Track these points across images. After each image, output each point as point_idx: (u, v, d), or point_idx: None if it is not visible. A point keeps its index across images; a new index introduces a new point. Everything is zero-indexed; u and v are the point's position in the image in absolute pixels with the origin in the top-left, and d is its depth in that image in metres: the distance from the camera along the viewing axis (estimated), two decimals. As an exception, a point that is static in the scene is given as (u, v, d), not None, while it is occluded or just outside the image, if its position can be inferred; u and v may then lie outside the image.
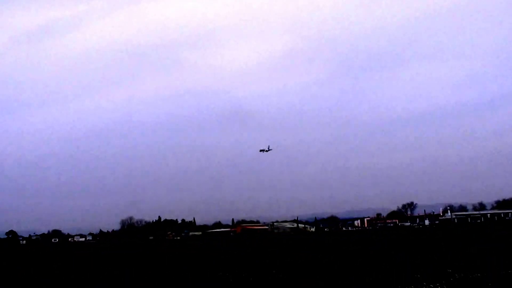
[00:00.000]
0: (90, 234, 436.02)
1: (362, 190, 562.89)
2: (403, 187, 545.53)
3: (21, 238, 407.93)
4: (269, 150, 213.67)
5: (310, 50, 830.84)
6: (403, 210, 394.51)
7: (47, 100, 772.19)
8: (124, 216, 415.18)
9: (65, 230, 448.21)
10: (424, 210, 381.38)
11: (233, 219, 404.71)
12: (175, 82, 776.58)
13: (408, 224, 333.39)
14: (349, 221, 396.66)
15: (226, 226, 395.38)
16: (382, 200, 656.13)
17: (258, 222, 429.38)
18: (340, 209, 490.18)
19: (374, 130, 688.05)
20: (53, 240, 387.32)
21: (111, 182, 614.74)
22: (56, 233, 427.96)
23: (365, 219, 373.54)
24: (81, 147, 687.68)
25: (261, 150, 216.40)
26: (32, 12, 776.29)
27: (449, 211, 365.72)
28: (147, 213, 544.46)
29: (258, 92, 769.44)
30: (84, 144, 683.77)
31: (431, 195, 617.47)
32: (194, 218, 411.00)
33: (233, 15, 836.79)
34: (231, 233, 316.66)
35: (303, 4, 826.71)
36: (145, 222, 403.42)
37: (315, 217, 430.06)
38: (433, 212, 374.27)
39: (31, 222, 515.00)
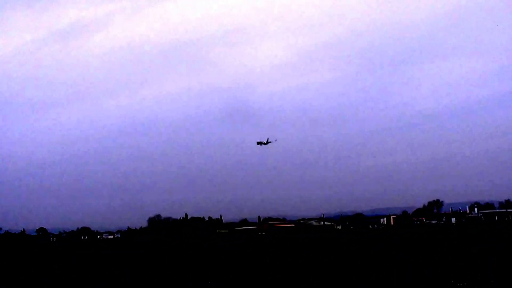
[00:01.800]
0: (118, 231, 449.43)
1: (388, 188, 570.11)
2: (430, 184, 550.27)
3: (51, 236, 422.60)
4: (268, 142, 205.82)
5: (334, 47, 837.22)
6: (430, 208, 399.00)
7: (75, 99, 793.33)
8: (152, 213, 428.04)
9: (94, 228, 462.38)
10: (451, 208, 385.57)
11: (259, 217, 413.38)
12: (201, 79, 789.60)
13: (434, 222, 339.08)
14: (374, 218, 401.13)
15: (253, 223, 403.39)
16: (408, 198, 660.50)
17: (284, 219, 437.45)
18: (366, 207, 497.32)
19: (400, 127, 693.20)
20: (82, 238, 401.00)
21: (139, 180, 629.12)
22: (85, 230, 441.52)
23: (391, 217, 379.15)
24: (109, 146, 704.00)
25: (258, 143, 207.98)
26: (60, 13, 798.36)
27: (476, 208, 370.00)
28: (175, 211, 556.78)
29: (284, 89, 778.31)
30: (112, 142, 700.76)
31: (458, 193, 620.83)
32: (221, 216, 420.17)
33: (260, 12, 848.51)
34: (262, 232, 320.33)
35: (333, 3, 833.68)
36: (172, 219, 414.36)
37: (341, 215, 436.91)
38: (460, 210, 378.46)
39: (61, 220, 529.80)
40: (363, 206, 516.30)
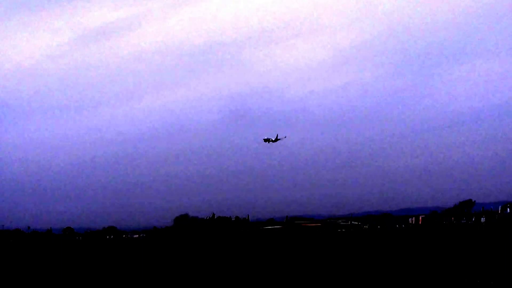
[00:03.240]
0: (143, 231, 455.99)
1: (418, 187, 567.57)
2: (462, 184, 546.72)
3: (77, 236, 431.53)
4: (277, 139, 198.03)
5: (369, 47, 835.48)
6: (461, 208, 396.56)
7: (104, 101, 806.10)
8: (179, 213, 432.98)
9: (120, 227, 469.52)
10: (482, 207, 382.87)
11: (287, 216, 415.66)
12: (233, 81, 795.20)
13: (464, 221, 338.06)
14: (402, 218, 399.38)
15: (280, 223, 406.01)
16: (438, 197, 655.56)
17: (312, 218, 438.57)
18: (394, 206, 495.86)
19: (432, 127, 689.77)
20: (107, 237, 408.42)
21: (167, 180, 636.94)
22: (111, 229, 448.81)
23: (420, 217, 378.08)
24: (137, 146, 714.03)
25: (266, 140, 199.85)
26: (89, 15, 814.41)
27: (508, 208, 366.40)
28: (202, 211, 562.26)
29: (317, 91, 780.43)
30: (140, 143, 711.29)
31: (490, 193, 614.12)
32: (248, 216, 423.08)
33: (293, 12, 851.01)
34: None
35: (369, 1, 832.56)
36: (199, 219, 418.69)
37: (368, 214, 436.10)
38: (491, 209, 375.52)
39: (88, 219, 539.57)
40: (391, 205, 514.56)
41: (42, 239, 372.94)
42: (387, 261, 68.83)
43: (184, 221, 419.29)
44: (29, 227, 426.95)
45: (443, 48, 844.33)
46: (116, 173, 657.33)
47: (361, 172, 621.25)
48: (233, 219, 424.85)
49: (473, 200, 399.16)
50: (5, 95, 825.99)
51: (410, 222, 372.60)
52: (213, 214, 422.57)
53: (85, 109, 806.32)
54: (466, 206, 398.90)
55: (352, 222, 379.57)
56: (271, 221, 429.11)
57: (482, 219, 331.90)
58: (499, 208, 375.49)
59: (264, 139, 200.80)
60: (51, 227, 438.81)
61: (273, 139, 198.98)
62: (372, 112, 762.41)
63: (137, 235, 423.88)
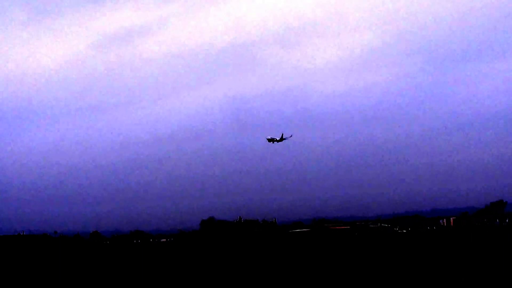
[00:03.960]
0: (170, 235, 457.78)
1: (447, 187, 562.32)
2: (493, 185, 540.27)
3: (105, 241, 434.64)
4: (282, 139, 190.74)
5: (395, 46, 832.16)
6: (492, 209, 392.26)
7: (127, 104, 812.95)
8: (205, 216, 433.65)
9: (146, 230, 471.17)
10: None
11: (314, 219, 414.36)
12: (255, 81, 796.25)
13: (497, 223, 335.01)
14: (433, 219, 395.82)
15: (307, 226, 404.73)
16: (468, 198, 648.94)
17: (340, 221, 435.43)
18: (423, 207, 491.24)
19: (461, 126, 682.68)
20: (135, 241, 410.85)
21: (192, 183, 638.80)
22: (138, 233, 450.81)
23: (451, 218, 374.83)
24: (163, 149, 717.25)
25: (270, 140, 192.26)
26: (111, 19, 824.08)
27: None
28: (228, 213, 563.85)
29: (340, 91, 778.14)
30: (166, 146, 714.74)
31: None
32: (274, 219, 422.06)
33: (315, 12, 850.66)
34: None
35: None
36: (226, 222, 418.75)
37: (398, 215, 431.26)
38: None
39: (114, 223, 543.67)
40: (421, 206, 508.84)
41: (71, 243, 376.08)
42: (420, 264, 68.50)
43: (211, 225, 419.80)
44: (56, 232, 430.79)
45: (469, 46, 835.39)
46: (139, 177, 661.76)
47: (389, 172, 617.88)
48: (260, 222, 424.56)
49: (504, 201, 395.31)
50: (28, 100, 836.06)
51: (442, 223, 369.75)
52: (240, 218, 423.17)
53: (107, 113, 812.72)
54: (497, 207, 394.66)
55: (382, 224, 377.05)
56: (299, 223, 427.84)
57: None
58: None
59: (268, 139, 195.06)
60: (78, 232, 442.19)
61: (278, 138, 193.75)
62: (398, 111, 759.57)
63: (165, 239, 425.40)
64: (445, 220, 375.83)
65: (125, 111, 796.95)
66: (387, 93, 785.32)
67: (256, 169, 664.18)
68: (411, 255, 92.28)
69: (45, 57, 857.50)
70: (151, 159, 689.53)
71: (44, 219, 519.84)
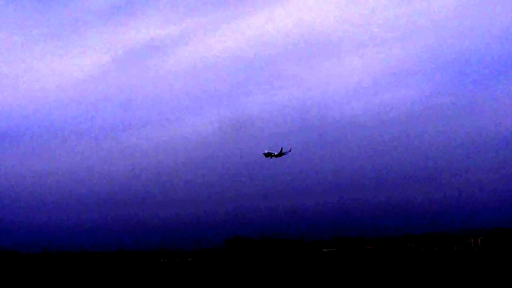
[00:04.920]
0: (194, 252, 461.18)
1: (474, 204, 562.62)
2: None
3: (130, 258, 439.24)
4: (282, 154, 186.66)
5: (422, 60, 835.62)
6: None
7: (152, 119, 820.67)
8: (229, 234, 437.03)
9: (168, 248, 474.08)
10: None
11: (338, 237, 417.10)
12: (283, 95, 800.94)
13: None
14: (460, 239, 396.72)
15: (332, 243, 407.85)
16: (496, 216, 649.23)
17: (363, 238, 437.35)
18: (451, 225, 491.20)
19: (491, 144, 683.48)
20: (161, 260, 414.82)
21: (213, 199, 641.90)
22: (163, 252, 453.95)
23: (479, 238, 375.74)
24: (186, 165, 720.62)
25: (267, 155, 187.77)
26: (136, 32, 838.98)
27: None
28: (253, 231, 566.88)
29: (366, 106, 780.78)
30: (190, 162, 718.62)
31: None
32: (303, 238, 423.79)
33: (344, 23, 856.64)
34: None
35: (413, 11, 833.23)
36: (252, 240, 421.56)
37: (426, 233, 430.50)
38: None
39: (137, 239, 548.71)
40: (448, 224, 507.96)
41: (96, 260, 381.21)
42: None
43: (236, 243, 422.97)
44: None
45: (503, 58, 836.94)
46: (162, 194, 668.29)
47: (416, 188, 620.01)
48: (282, 240, 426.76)
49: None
50: (53, 115, 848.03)
51: (469, 243, 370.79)
52: (263, 235, 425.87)
53: (132, 128, 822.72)
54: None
55: (409, 244, 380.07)
56: (322, 241, 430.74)
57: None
58: None
59: (264, 154, 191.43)
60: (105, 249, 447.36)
61: (276, 153, 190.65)
62: (425, 127, 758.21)
63: (190, 258, 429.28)
64: (472, 240, 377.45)
65: (152, 126, 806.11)
66: (413, 109, 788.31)
67: (286, 184, 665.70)
68: (435, 275, 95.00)
69: (70, 72, 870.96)
70: (173, 176, 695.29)
71: (67, 235, 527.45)
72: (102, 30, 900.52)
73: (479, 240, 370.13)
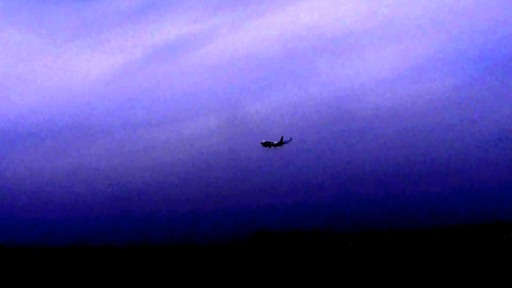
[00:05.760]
0: (218, 246, 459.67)
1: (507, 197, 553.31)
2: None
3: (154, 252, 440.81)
4: (282, 143, 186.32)
5: (451, 53, 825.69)
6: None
7: (180, 116, 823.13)
8: (257, 226, 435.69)
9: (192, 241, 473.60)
10: None
11: (369, 229, 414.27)
12: (309, 91, 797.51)
13: None
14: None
15: (358, 236, 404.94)
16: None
17: (389, 229, 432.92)
18: (480, 219, 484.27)
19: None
20: (187, 254, 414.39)
21: (239, 191, 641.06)
22: (190, 246, 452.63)
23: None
24: (211, 161, 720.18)
25: (265, 144, 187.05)
26: (161, 31, 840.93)
27: None
28: (280, 224, 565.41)
29: (397, 99, 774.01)
30: (214, 158, 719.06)
31: None
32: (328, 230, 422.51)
33: (369, 18, 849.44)
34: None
35: (436, 5, 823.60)
36: (278, 233, 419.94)
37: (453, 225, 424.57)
38: None
39: (162, 233, 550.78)
40: (477, 218, 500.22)
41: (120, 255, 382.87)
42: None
43: (263, 236, 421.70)
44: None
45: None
46: (188, 187, 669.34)
47: (447, 182, 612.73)
48: (309, 232, 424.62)
49: None
50: (76, 114, 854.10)
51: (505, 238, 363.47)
52: (291, 227, 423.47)
53: (157, 126, 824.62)
54: None
55: (438, 237, 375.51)
56: (350, 235, 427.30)
57: None
58: None
59: (262, 143, 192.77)
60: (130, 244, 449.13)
61: (275, 142, 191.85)
62: (455, 120, 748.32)
63: (216, 251, 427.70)
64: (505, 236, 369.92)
65: (174, 125, 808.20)
66: (436, 103, 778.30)
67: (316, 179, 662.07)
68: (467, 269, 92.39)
69: (92, 71, 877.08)
70: (199, 170, 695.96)
71: (94, 230, 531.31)
72: (125, 29, 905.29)
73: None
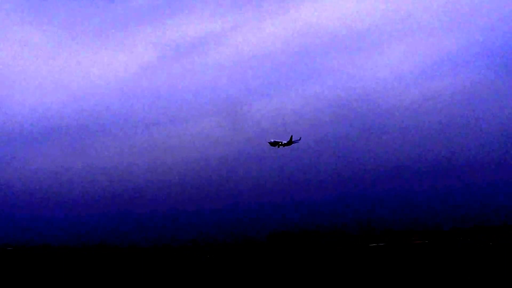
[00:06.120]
0: (233, 246, 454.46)
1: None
2: None
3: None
4: (291, 143, 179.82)
5: (472, 49, 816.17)
6: None
7: (198, 114, 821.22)
8: (273, 227, 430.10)
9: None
10: None
11: (389, 230, 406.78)
12: (329, 87, 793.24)
13: None
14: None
15: (379, 237, 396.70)
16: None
17: (411, 230, 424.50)
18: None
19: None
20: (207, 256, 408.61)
21: (255, 192, 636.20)
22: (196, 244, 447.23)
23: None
24: (230, 160, 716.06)
25: (273, 144, 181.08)
26: (180, 29, 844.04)
27: None
28: (296, 224, 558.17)
29: (408, 98, 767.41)
30: (235, 156, 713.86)
31: None
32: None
33: (384, 15, 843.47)
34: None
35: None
36: (295, 234, 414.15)
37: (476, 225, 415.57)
38: None
39: (178, 234, 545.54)
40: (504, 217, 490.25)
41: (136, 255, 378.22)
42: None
43: (279, 237, 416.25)
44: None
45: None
46: (206, 187, 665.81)
47: (470, 180, 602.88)
48: (327, 233, 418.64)
49: None
50: (97, 112, 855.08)
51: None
52: (306, 229, 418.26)
53: (176, 124, 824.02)
54: None
55: (461, 238, 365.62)
56: (369, 235, 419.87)
57: None
58: None
59: (270, 143, 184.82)
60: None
61: (285, 142, 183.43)
62: (479, 117, 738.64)
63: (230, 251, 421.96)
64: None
65: (195, 122, 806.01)
66: (462, 100, 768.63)
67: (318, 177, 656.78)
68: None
69: (114, 70, 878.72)
70: (218, 170, 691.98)
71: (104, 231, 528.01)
72: (150, 28, 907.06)
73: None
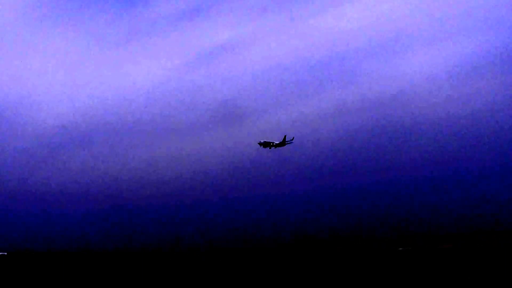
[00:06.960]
0: (260, 249, 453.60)
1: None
2: None
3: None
4: (285, 143, 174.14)
5: (498, 54, 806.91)
6: None
7: (225, 121, 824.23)
8: (297, 231, 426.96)
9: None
10: None
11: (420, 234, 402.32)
12: (357, 93, 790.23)
13: None
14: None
15: (407, 242, 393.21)
16: None
17: (441, 236, 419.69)
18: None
19: None
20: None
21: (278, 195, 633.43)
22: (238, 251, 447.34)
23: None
24: (250, 167, 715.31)
25: (265, 145, 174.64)
26: (205, 35, 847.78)
27: None
28: (322, 228, 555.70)
29: (440, 102, 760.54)
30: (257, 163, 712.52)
31: None
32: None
33: (416, 17, 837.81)
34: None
35: (490, 3, 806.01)
36: (321, 238, 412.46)
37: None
38: None
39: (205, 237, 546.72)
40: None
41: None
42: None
43: (304, 240, 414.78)
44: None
45: None
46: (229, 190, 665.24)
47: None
48: (353, 237, 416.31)
49: None
50: (123, 120, 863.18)
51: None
52: (333, 232, 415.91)
53: (202, 131, 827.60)
54: None
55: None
56: (398, 239, 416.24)
57: None
58: None
59: (260, 143, 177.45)
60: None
61: (277, 142, 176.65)
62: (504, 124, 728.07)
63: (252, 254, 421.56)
64: None
65: (218, 130, 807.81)
66: (489, 104, 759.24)
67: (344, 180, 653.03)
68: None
69: (140, 77, 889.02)
70: (242, 173, 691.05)
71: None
72: (174, 34, 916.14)
73: None
